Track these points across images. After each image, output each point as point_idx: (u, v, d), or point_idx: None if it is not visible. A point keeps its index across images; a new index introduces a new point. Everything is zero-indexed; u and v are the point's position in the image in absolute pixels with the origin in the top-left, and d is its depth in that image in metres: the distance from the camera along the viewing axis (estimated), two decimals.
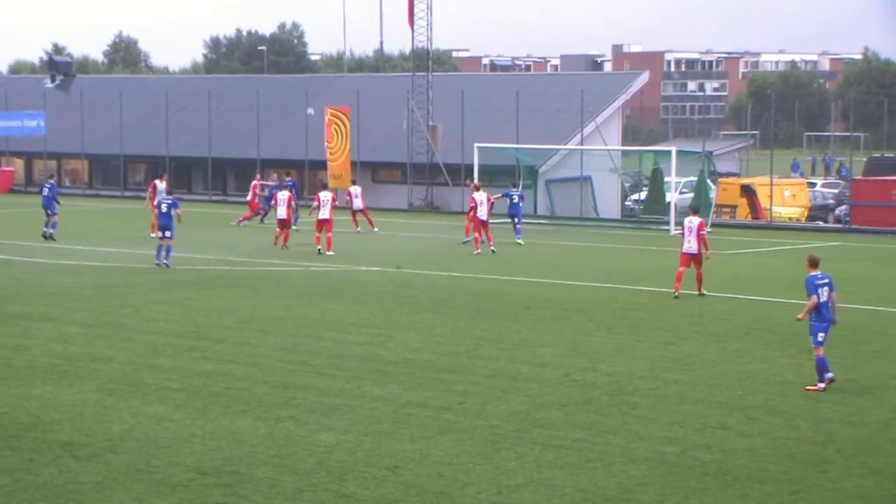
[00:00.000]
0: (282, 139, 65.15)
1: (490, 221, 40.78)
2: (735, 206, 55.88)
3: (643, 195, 58.92)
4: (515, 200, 44.34)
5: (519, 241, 42.56)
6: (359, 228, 45.39)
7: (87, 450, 15.04)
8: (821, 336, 19.26)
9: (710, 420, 17.07)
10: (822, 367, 19.21)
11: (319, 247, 38.24)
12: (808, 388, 19.17)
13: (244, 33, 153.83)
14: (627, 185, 61.22)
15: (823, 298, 19.39)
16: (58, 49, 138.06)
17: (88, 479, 13.89)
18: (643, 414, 17.38)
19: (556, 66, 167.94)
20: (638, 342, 23.10)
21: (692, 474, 14.56)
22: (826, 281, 19.64)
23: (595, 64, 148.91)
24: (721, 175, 58.31)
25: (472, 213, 40.89)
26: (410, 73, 63.18)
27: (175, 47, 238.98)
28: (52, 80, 79.02)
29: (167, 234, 33.76)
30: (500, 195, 44.29)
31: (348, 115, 59.76)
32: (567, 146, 56.97)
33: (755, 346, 22.93)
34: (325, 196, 39.36)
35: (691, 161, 54.22)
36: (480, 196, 41.05)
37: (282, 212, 40.18)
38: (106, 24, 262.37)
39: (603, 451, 15.38)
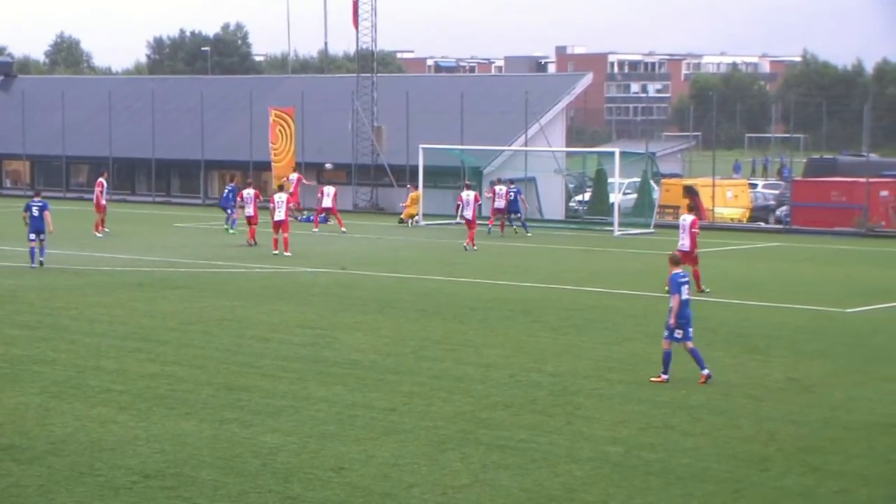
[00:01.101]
0: (226, 140, 64.90)
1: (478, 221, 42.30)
2: (678, 207, 56.24)
3: (587, 196, 59.21)
4: (513, 198, 47.61)
5: (528, 234, 46.94)
6: (343, 229, 45.88)
7: (29, 453, 14.93)
8: (678, 333, 19.57)
9: (653, 420, 17.20)
10: (667, 361, 19.63)
11: (276, 251, 38.21)
12: (652, 378, 19.56)
13: (188, 34, 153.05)
14: (572, 186, 61.47)
15: (685, 296, 19.75)
16: None
17: (31, 482, 13.80)
18: (587, 414, 17.48)
19: (500, 68, 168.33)
20: (583, 342, 23.22)
21: (636, 474, 14.66)
22: (686, 279, 20.11)
23: (539, 65, 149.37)
24: (664, 176, 58.73)
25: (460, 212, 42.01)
26: (355, 74, 63.12)
27: (118, 48, 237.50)
28: None
29: (41, 236, 33.71)
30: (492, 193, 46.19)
31: (293, 116, 59.63)
32: (511, 147, 57.15)
33: (697, 345, 23.00)
34: (279, 198, 39.54)
35: (635, 162, 54.58)
36: (468, 195, 42.35)
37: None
38: (47, 24, 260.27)
39: (547, 452, 15.46)
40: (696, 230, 30.60)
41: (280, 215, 38.81)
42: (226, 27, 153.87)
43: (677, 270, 20.08)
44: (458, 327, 24.67)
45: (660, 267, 37.21)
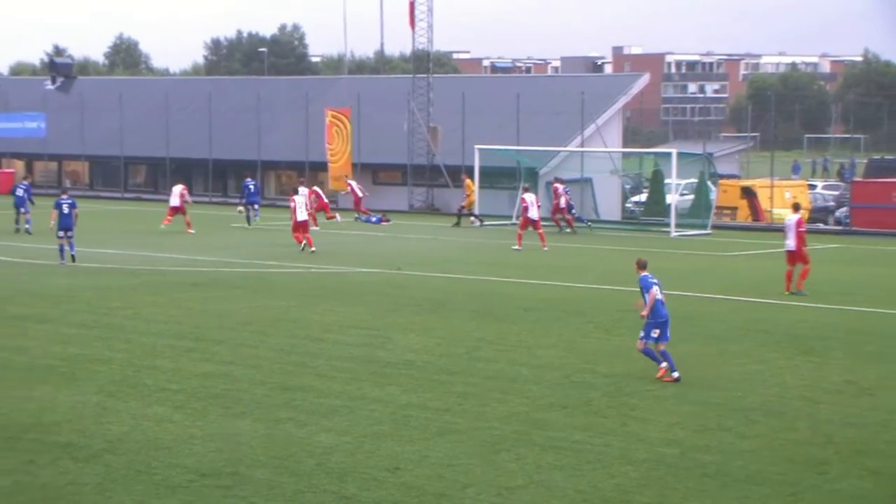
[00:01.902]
0: (282, 141, 65.18)
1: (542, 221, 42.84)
2: (735, 208, 55.91)
3: (644, 197, 58.95)
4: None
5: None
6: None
7: (87, 451, 15.04)
8: (654, 332, 19.86)
9: (708, 421, 17.08)
10: (651, 355, 19.89)
11: (302, 245, 39.45)
12: (658, 376, 19.60)
13: (245, 35, 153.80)
14: (628, 186, 61.25)
15: (660, 296, 19.99)
16: (59, 51, 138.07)
17: (88, 480, 13.90)
18: (642, 415, 17.39)
19: (556, 69, 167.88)
20: (636, 344, 23.05)
21: (691, 476, 14.56)
22: (656, 281, 20.35)
23: (595, 66, 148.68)
24: (721, 177, 58.34)
25: (524, 216, 41.93)
26: (411, 75, 63.21)
27: (176, 49, 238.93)
28: (53, 82, 79.08)
29: (69, 233, 34.53)
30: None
31: (349, 117, 59.83)
32: (567, 148, 56.99)
33: (753, 347, 22.93)
34: (299, 199, 40.91)
35: (692, 163, 54.27)
36: (530, 197, 42.89)
37: (300, 215, 40.19)
38: (107, 26, 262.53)
39: (602, 453, 15.39)
40: (803, 229, 30.58)
41: (302, 216, 40.18)
42: (282, 28, 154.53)
43: (644, 273, 20.53)
44: (512, 328, 24.62)
45: (716, 268, 37.03)
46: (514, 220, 52.72)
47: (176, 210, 46.63)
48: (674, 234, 48.31)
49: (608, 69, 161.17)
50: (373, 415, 17.16)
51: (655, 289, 20.05)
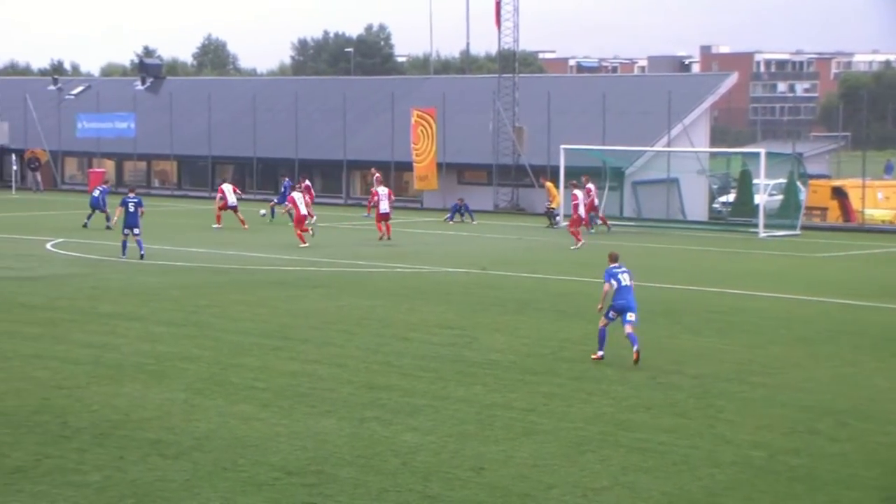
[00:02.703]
0: (368, 141, 65.41)
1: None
2: (826, 209, 55.18)
3: (731, 197, 58.39)
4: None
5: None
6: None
7: (175, 448, 15.18)
8: (611, 314, 21.31)
9: (797, 424, 16.84)
10: (601, 338, 21.30)
11: (381, 234, 42.93)
12: (592, 356, 21.11)
13: (331, 35, 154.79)
14: (715, 187, 60.70)
15: (625, 283, 21.39)
16: (148, 52, 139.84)
17: (176, 477, 14.02)
18: (729, 417, 17.19)
19: (643, 68, 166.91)
20: (724, 345, 22.88)
21: (780, 479, 14.37)
22: (625, 269, 21.77)
23: (683, 65, 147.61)
24: (811, 177, 57.59)
25: (575, 214, 42.01)
26: (497, 75, 63.16)
27: (263, 50, 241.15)
28: (143, 83, 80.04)
29: (135, 230, 35.78)
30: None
31: (434, 117, 59.89)
32: (654, 148, 56.60)
33: (844, 349, 22.60)
34: (382, 191, 44.19)
35: (780, 163, 53.63)
36: (580, 194, 43.28)
37: (303, 210, 42.41)
38: (196, 27, 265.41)
39: (688, 455, 15.24)
40: None
41: (385, 208, 43.45)
42: (369, 28, 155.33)
43: (613, 265, 21.78)
44: (597, 328, 24.42)
45: (805, 269, 36.57)
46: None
47: (228, 207, 47.92)
48: (762, 235, 47.79)
49: (696, 68, 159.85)
50: (458, 414, 17.14)
51: (608, 284, 21.48)
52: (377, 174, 53.37)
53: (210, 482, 13.84)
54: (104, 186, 49.16)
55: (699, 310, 27.23)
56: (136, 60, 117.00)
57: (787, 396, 18.55)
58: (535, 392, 18.63)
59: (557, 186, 51.29)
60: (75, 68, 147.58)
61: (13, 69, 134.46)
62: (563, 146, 53.01)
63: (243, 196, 54.20)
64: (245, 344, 22.18)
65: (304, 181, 52.37)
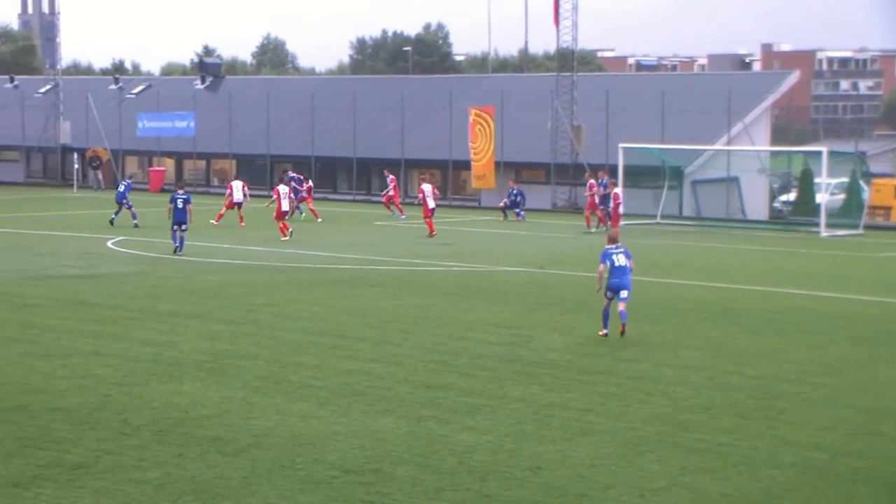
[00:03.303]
0: (425, 139, 65.48)
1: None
2: (889, 208, 54.61)
3: (792, 196, 57.94)
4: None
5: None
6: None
7: (234, 446, 15.25)
8: (609, 294, 22.88)
9: (860, 426, 16.66)
10: (605, 317, 23.01)
11: (434, 233, 43.91)
12: (599, 333, 22.87)
13: (390, 34, 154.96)
14: (776, 186, 60.25)
15: (620, 263, 22.86)
16: (208, 51, 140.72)
17: (235, 474, 14.08)
18: (790, 419, 17.03)
19: (703, 66, 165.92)
20: (784, 345, 22.69)
21: (841, 481, 14.22)
22: (622, 250, 23.18)
23: (743, 63, 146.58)
24: (874, 176, 57.02)
25: (615, 208, 42.06)
26: (555, 74, 63.03)
27: (322, 49, 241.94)
28: (202, 82, 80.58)
29: (183, 226, 36.94)
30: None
31: (492, 116, 59.84)
32: (714, 147, 56.27)
33: None
34: (427, 188, 45.73)
35: (843, 162, 53.19)
36: (620, 192, 43.98)
37: (284, 205, 43.86)
38: (255, 27, 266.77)
39: (748, 456, 15.11)
40: None
41: (431, 203, 44.93)
42: (427, 27, 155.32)
43: (611, 245, 23.24)
44: (656, 328, 24.36)
45: (867, 269, 36.20)
46: (657, 220, 52.33)
47: (237, 205, 48.39)
48: (823, 235, 47.37)
49: (756, 67, 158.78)
50: (515, 414, 17.10)
51: (602, 265, 22.91)
52: (391, 175, 54.89)
53: (268, 480, 13.89)
54: (128, 181, 49.32)
55: (758, 310, 27.01)
56: (196, 60, 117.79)
57: (848, 397, 18.36)
58: (593, 392, 18.56)
59: (616, 185, 51.08)
60: (136, 68, 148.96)
61: (76, 69, 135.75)
62: (621, 145, 52.82)
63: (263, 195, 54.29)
64: (303, 342, 22.26)
65: (306, 181, 53.18)
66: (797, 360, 21.21)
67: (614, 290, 22.94)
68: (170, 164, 75.52)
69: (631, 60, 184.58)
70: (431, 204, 45.21)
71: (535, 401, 17.91)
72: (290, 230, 42.52)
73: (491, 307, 26.80)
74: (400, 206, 53.96)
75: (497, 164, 60.06)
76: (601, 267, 22.94)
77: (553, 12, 61.62)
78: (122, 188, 47.87)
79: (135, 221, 46.10)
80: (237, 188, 48.92)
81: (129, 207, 46.75)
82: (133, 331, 23.18)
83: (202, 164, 74.96)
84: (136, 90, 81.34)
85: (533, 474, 14.28)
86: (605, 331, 22.93)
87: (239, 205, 48.53)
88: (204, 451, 14.96)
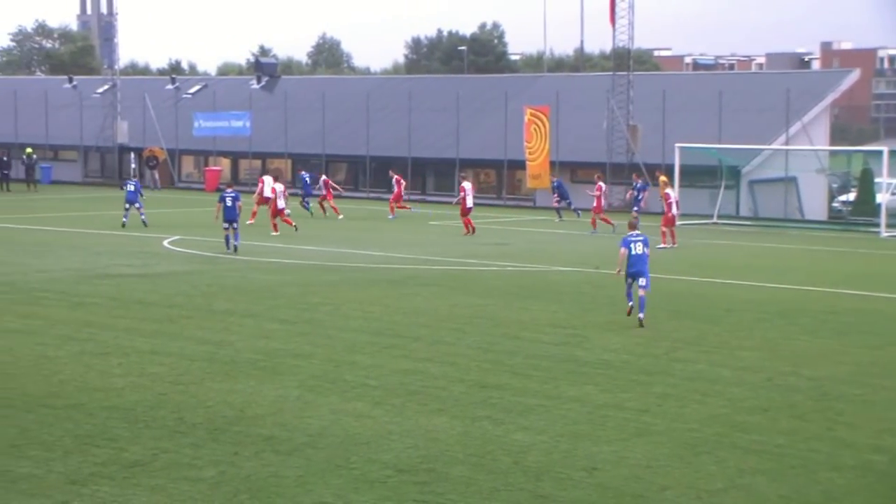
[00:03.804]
0: (481, 139, 65.43)
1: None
2: None
3: (852, 196, 57.39)
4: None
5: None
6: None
7: (288, 444, 15.26)
8: (629, 280, 24.61)
9: None
10: (628, 295, 24.76)
11: (469, 233, 44.48)
12: (627, 307, 24.59)
13: (445, 34, 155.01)
14: (835, 185, 59.71)
15: (637, 252, 24.33)
16: (264, 51, 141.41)
17: (290, 473, 14.08)
18: (849, 420, 16.82)
19: (761, 65, 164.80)
20: (843, 346, 22.44)
21: None
22: (641, 238, 24.68)
23: (802, 62, 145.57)
24: None
25: (668, 213, 41.31)
26: (611, 73, 62.79)
27: (377, 48, 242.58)
28: (258, 82, 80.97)
29: (233, 224, 37.17)
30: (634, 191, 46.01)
31: (547, 115, 59.70)
32: (771, 146, 55.83)
33: None
34: (468, 186, 46.19)
35: None
36: (673, 193, 42.64)
37: (280, 203, 44.57)
38: (311, 27, 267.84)
39: (807, 458, 14.93)
40: None
41: (469, 202, 45.42)
42: (482, 27, 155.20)
43: (631, 232, 24.87)
44: (712, 329, 24.17)
45: None
46: (714, 220, 52.01)
47: (266, 201, 48.40)
48: (884, 235, 46.86)
49: (816, 65, 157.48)
50: (570, 414, 17.01)
51: (623, 249, 24.45)
52: (396, 175, 55.74)
53: (323, 479, 13.88)
54: (136, 181, 49.09)
55: (817, 311, 26.75)
56: (252, 60, 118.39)
57: None
58: (649, 392, 18.43)
59: (672, 185, 50.76)
60: (192, 68, 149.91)
61: (133, 69, 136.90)
62: (678, 145, 52.54)
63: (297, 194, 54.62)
64: (357, 342, 22.27)
65: (321, 178, 54.44)
66: (856, 362, 20.96)
67: (633, 277, 24.51)
68: (225, 163, 75.93)
69: (688, 60, 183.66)
70: (470, 202, 45.40)
71: (590, 401, 17.81)
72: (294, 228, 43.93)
73: (545, 307, 26.71)
74: (394, 207, 53.71)
75: (552, 164, 59.88)
76: (622, 251, 24.48)
77: (609, 12, 61.40)
78: (131, 188, 47.42)
79: (143, 219, 46.22)
80: (267, 184, 48.80)
81: (139, 208, 46.65)
82: (188, 329, 23.28)
83: (258, 163, 75.27)
84: (192, 90, 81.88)
85: (588, 475, 14.18)
86: (630, 303, 24.68)
87: (267, 200, 48.50)
88: (259, 449, 14.98)
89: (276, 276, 31.76)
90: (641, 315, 24.08)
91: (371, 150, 68.25)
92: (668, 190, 42.51)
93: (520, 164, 61.25)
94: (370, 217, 52.02)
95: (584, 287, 30.20)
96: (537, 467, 14.42)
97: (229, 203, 37.46)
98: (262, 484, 13.64)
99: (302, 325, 23.94)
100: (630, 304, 24.66)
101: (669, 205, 41.58)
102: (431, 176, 69.02)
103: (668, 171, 52.75)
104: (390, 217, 52.67)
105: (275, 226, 44.06)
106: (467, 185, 46.61)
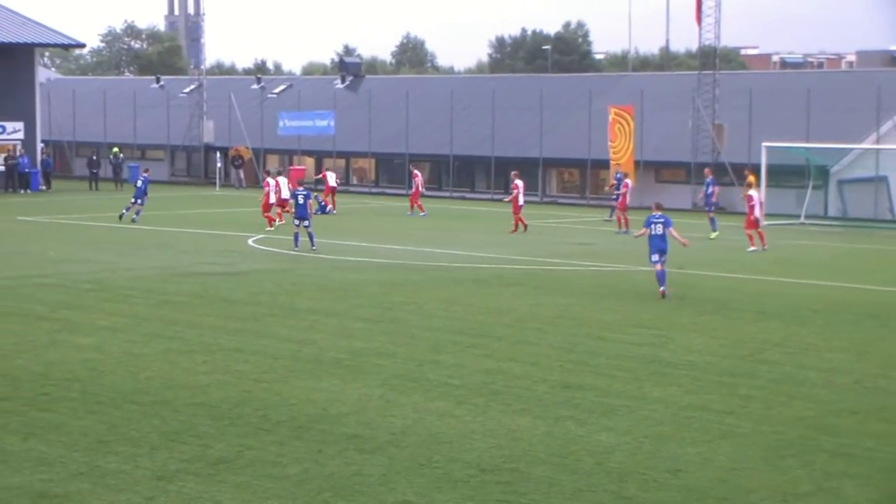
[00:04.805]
0: (564, 138, 65.21)
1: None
2: None
3: None
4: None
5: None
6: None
7: (372, 443, 15.29)
8: (654, 257, 27.75)
9: None
10: (660, 278, 27.63)
11: (515, 229, 44.87)
12: (659, 291, 27.41)
13: (529, 33, 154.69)
14: None
15: (658, 232, 27.69)
16: (348, 51, 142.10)
17: (373, 471, 14.11)
18: None
19: (851, 63, 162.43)
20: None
21: None
22: (662, 220, 27.90)
23: (894, 60, 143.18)
24: None
25: (751, 215, 40.51)
26: (696, 72, 62.29)
27: (461, 48, 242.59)
28: (343, 81, 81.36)
29: (305, 222, 37.42)
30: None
31: (632, 114, 59.35)
32: (861, 145, 55.03)
33: None
34: (520, 183, 46.15)
35: None
36: (756, 194, 41.64)
37: (284, 193, 45.43)
38: (395, 26, 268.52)
39: None
40: None
41: (521, 200, 45.32)
42: (567, 25, 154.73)
43: (654, 213, 28.13)
44: (799, 330, 23.87)
45: None
46: (801, 220, 51.41)
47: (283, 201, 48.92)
48: None
49: None
50: (653, 415, 16.88)
51: (646, 229, 27.94)
52: (416, 171, 56.03)
53: (406, 477, 13.90)
54: (145, 175, 49.50)
55: None
56: (337, 59, 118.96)
57: None
58: (734, 394, 18.24)
59: (757, 186, 50.24)
60: (278, 68, 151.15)
61: (219, 69, 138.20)
62: (764, 144, 51.97)
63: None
64: (440, 341, 22.28)
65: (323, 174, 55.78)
66: None
67: (657, 254, 27.72)
68: (310, 162, 76.35)
69: (775, 58, 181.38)
70: (521, 200, 45.39)
71: (675, 402, 17.67)
72: (275, 223, 44.77)
73: (629, 307, 26.55)
74: (420, 204, 53.86)
75: (636, 164, 59.52)
76: (644, 230, 28.16)
77: (695, 10, 60.92)
78: (140, 183, 48.27)
79: (135, 217, 46.81)
80: (284, 184, 48.95)
81: (141, 204, 47.32)
82: (272, 328, 23.44)
83: (342, 162, 75.65)
84: (277, 90, 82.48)
85: (672, 476, 14.07)
86: (662, 289, 27.48)
87: (286, 200, 48.81)
88: (342, 448, 15.03)
89: (359, 274, 31.87)
90: (663, 288, 27.38)
91: (454, 149, 68.30)
92: (752, 192, 41.54)
93: (604, 164, 60.94)
94: (453, 216, 52.03)
95: (668, 287, 29.94)
96: (621, 468, 14.33)
97: (301, 201, 37.75)
98: (346, 482, 13.68)
99: (385, 324, 24.00)
100: (662, 288, 27.36)
101: (752, 207, 40.47)
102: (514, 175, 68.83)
103: (755, 170, 52.20)
104: (409, 214, 53.12)
105: (270, 219, 45.03)
106: (520, 182, 46.46)
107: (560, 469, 14.28)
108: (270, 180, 46.35)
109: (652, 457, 14.83)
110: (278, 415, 16.59)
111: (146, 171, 50.80)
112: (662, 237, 27.82)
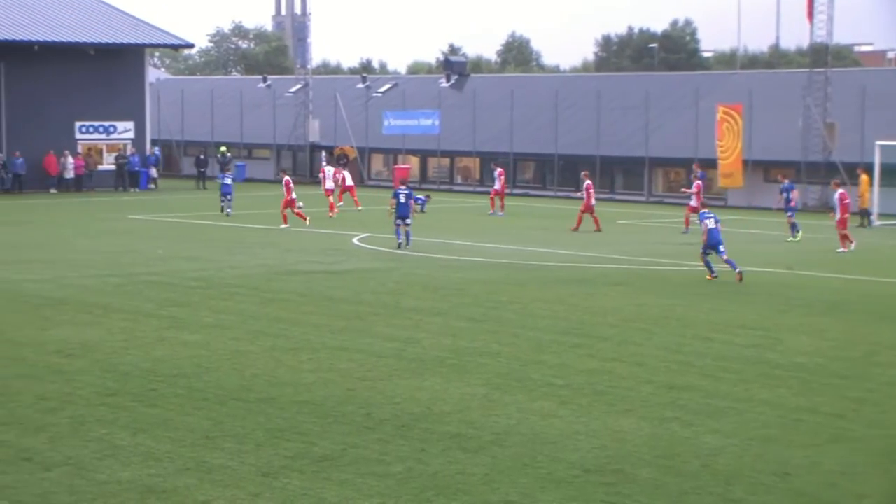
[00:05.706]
0: (670, 137, 64.65)
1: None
2: None
3: None
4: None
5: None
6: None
7: (475, 442, 15.24)
8: (709, 251, 30.40)
9: None
10: (707, 265, 30.45)
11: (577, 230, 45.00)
12: (707, 277, 30.10)
13: (636, 31, 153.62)
14: None
15: (711, 227, 30.48)
16: (453, 50, 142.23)
17: (476, 471, 14.06)
18: None
19: None
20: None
21: None
22: (712, 216, 31.00)
23: None
24: None
25: (843, 214, 39.21)
26: (807, 70, 61.37)
27: (566, 46, 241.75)
28: (448, 80, 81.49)
29: (406, 220, 37.57)
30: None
31: (741, 113, 58.65)
32: None
33: None
34: (590, 182, 46.36)
35: None
36: (844, 191, 40.58)
37: (329, 184, 48.74)
38: (500, 26, 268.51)
39: None
40: None
41: (592, 200, 45.69)
42: (674, 23, 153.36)
43: (704, 210, 31.90)
44: None
45: None
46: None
47: (348, 188, 50.76)
48: None
49: None
50: (761, 417, 16.61)
51: (706, 222, 30.76)
52: (499, 168, 54.90)
53: (509, 477, 13.83)
54: (231, 174, 51.15)
55: None
56: (442, 58, 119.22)
57: None
58: (844, 397, 17.88)
59: (871, 184, 49.42)
60: (383, 67, 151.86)
61: (324, 69, 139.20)
62: (878, 142, 51.03)
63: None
64: (544, 341, 22.16)
65: (339, 172, 55.28)
66: None
67: (712, 247, 30.37)
68: (414, 161, 76.59)
69: (891, 55, 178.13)
70: (593, 199, 45.59)
71: (783, 404, 17.37)
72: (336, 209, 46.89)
73: (736, 308, 26.20)
74: (503, 202, 53.55)
75: (745, 163, 58.81)
76: (706, 223, 30.77)
77: (807, 6, 60.04)
78: (228, 181, 50.40)
79: (228, 211, 49.39)
80: (328, 175, 49.89)
81: (230, 200, 49.66)
82: (376, 326, 23.49)
83: (446, 161, 75.79)
84: (382, 89, 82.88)
85: (781, 480, 13.82)
86: (713, 275, 30.13)
87: (330, 191, 49.87)
88: (446, 447, 15.00)
89: (463, 273, 31.85)
90: (738, 270, 30.00)
91: (559, 148, 68.05)
92: (844, 189, 40.13)
93: (711, 163, 60.30)
94: (559, 216, 51.79)
95: (777, 288, 29.53)
96: (727, 471, 14.11)
97: (402, 199, 37.86)
98: (449, 481, 13.65)
99: (489, 324, 23.94)
100: (714, 275, 30.02)
101: (845, 206, 38.90)
102: (620, 174, 68.47)
103: (868, 169, 51.29)
104: (491, 213, 52.91)
105: (284, 217, 45.48)
106: (590, 182, 46.43)
107: (665, 471, 14.11)
108: (327, 168, 48.33)
109: (759, 460, 14.59)
110: (382, 413, 16.61)
111: (228, 169, 53.36)
112: (717, 231, 30.58)
